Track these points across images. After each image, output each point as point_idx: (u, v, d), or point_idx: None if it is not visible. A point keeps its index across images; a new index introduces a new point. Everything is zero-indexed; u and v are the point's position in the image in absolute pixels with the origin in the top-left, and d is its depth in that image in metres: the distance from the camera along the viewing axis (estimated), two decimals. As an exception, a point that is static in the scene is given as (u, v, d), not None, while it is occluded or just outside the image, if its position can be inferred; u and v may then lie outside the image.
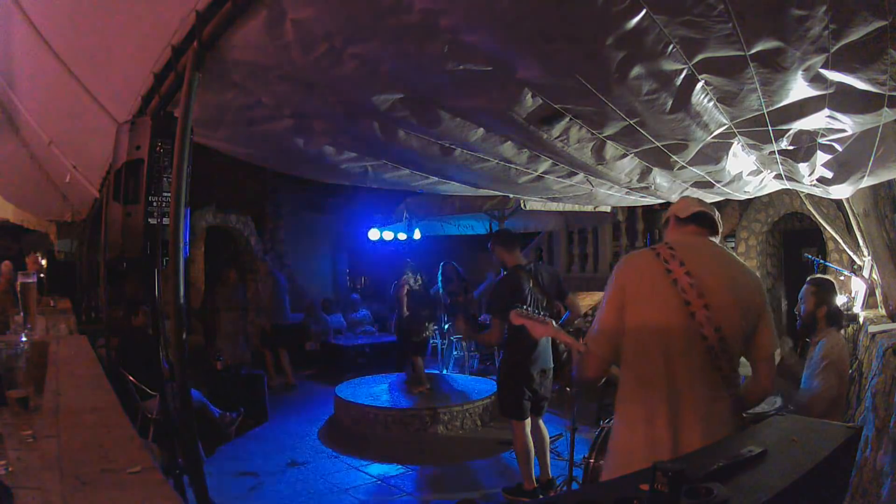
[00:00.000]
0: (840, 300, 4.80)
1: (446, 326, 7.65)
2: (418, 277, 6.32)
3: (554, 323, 2.11)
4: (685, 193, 4.13)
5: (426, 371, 6.81)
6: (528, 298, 3.66)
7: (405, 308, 6.22)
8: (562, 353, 3.91)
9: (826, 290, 3.14)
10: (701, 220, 1.89)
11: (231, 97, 2.44)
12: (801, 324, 3.20)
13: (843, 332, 3.57)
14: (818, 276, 3.28)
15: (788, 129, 2.48)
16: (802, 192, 4.30)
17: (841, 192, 3.39)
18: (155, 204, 2.37)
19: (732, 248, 7.15)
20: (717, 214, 1.96)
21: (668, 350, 1.66)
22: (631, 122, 2.40)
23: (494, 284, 4.19)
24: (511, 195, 5.26)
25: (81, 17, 2.64)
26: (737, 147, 2.86)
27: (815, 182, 3.25)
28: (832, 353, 2.92)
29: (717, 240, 1.92)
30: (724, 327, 1.65)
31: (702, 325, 1.64)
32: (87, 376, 2.23)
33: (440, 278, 7.15)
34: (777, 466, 1.14)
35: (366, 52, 1.95)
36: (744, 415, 1.86)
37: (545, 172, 3.47)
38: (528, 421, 3.83)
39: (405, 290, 6.22)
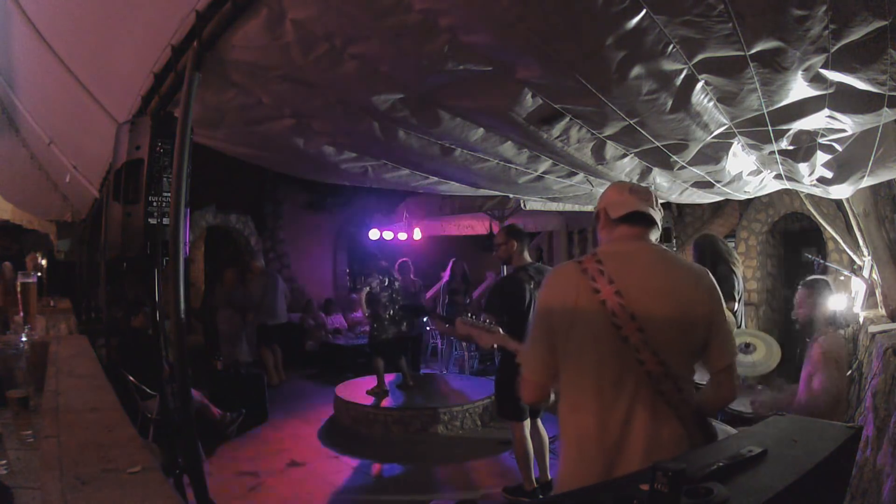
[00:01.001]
0: (840, 300, 4.80)
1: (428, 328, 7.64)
2: (385, 278, 6.29)
3: (501, 331, 2.01)
4: (684, 193, 4.14)
5: (424, 371, 6.81)
6: (528, 300, 3.65)
7: (364, 310, 6.22)
8: None
9: (819, 292, 3.13)
10: (635, 219, 1.66)
11: (231, 97, 2.44)
12: (800, 327, 3.18)
13: (842, 331, 3.56)
14: (811, 277, 3.26)
15: (788, 129, 2.48)
16: (802, 192, 4.30)
17: (841, 192, 3.39)
18: (155, 204, 2.37)
19: (733, 247, 7.15)
20: (655, 207, 1.69)
21: (600, 379, 1.51)
22: (631, 122, 2.40)
23: (494, 285, 4.19)
24: (511, 195, 5.25)
25: (81, 17, 2.64)
26: (737, 147, 2.86)
27: (815, 182, 3.25)
28: (832, 350, 2.91)
29: (655, 237, 1.69)
30: (662, 350, 1.48)
31: (637, 350, 1.47)
32: (87, 376, 2.23)
33: (448, 272, 7.19)
34: (777, 466, 1.14)
35: (366, 52, 1.95)
36: (713, 424, 1.68)
37: (545, 172, 3.47)
38: (527, 422, 3.83)
39: (364, 293, 6.22)
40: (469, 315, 2.14)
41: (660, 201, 1.78)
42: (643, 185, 3.89)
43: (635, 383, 1.50)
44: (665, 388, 1.49)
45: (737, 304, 4.25)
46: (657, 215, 1.69)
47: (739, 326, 4.18)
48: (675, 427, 1.52)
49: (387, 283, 6.25)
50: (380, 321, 6.13)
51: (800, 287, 3.20)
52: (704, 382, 1.65)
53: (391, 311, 6.13)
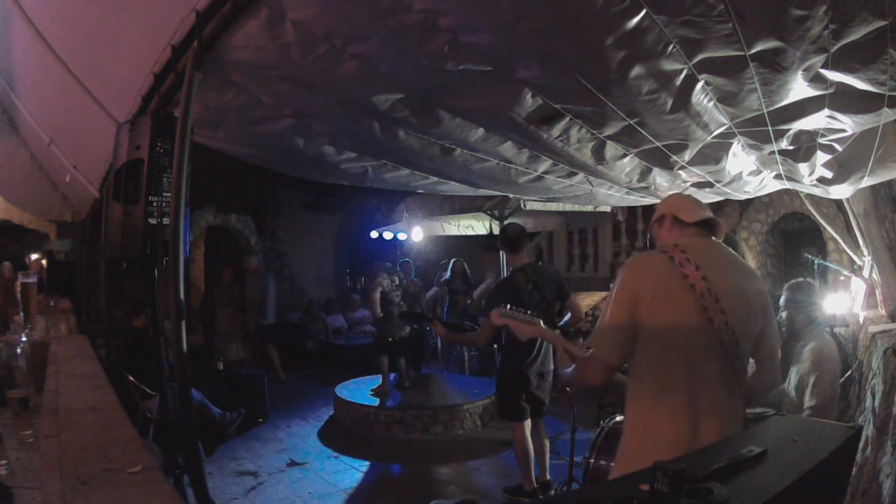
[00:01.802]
0: (839, 300, 4.80)
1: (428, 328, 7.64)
2: (394, 278, 6.30)
3: (542, 323, 2.02)
4: (686, 193, 4.13)
5: (424, 371, 6.82)
6: (526, 301, 3.64)
7: (378, 310, 6.22)
8: None
9: (804, 294, 3.07)
10: (706, 223, 1.85)
11: (231, 97, 2.44)
12: (788, 334, 3.11)
13: (831, 331, 3.53)
14: (795, 280, 3.19)
15: (788, 129, 2.48)
16: (802, 192, 4.30)
17: (841, 192, 3.39)
18: (155, 204, 2.37)
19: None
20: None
21: (690, 356, 1.64)
22: (631, 122, 2.40)
23: (494, 286, 4.19)
24: (511, 195, 5.25)
25: (81, 18, 2.64)
26: (737, 147, 2.86)
27: (815, 182, 3.25)
28: (821, 356, 2.88)
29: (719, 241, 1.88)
30: (738, 331, 1.64)
31: (719, 330, 1.62)
32: (87, 376, 2.23)
33: (448, 273, 7.19)
34: (777, 466, 1.14)
35: (366, 52, 1.95)
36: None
37: (545, 172, 3.47)
38: (528, 422, 3.83)
39: (378, 293, 6.21)
40: (508, 307, 2.15)
41: (660, 201, 1.87)
42: (648, 186, 3.86)
43: (717, 361, 1.64)
44: (738, 367, 1.66)
45: None
46: (721, 224, 1.89)
47: None
48: (741, 404, 1.70)
49: (397, 283, 6.25)
50: (391, 322, 6.13)
51: (785, 289, 3.15)
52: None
53: (401, 312, 6.15)
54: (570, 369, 1.84)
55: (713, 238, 1.84)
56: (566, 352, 1.88)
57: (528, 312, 2.10)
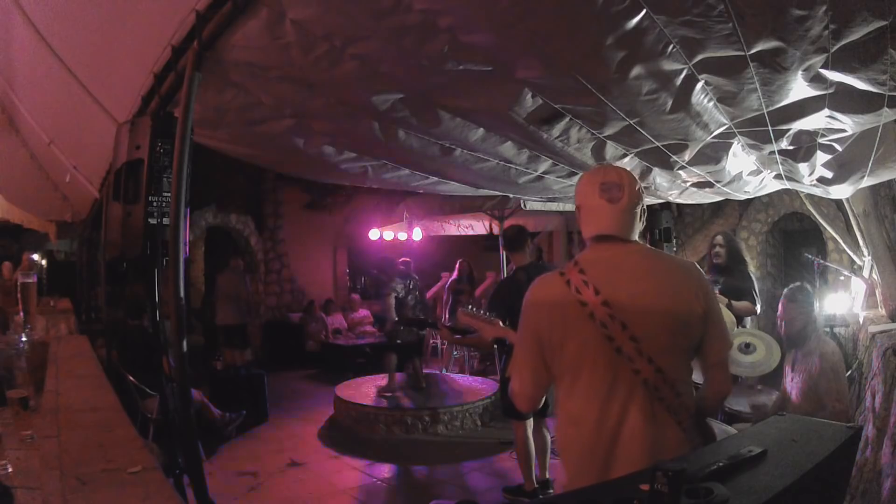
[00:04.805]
0: (839, 300, 4.80)
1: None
2: (409, 282, 6.30)
3: (501, 324, 2.00)
4: (684, 193, 4.14)
5: (425, 371, 6.82)
6: None
7: (393, 314, 6.23)
8: None
9: (801, 299, 2.98)
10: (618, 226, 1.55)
11: (231, 97, 2.44)
12: (788, 340, 3.03)
13: (831, 330, 3.52)
14: (793, 286, 3.11)
15: (788, 129, 2.48)
16: (802, 192, 4.31)
17: (841, 192, 3.39)
18: (155, 204, 2.37)
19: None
20: (632, 194, 1.51)
21: (595, 391, 1.45)
22: (631, 122, 2.40)
23: (496, 287, 4.19)
24: (511, 195, 5.26)
25: (81, 17, 2.64)
26: (737, 147, 2.86)
27: (815, 182, 3.25)
28: (834, 362, 2.84)
29: (639, 225, 1.56)
30: (656, 356, 1.41)
31: (631, 360, 1.41)
32: (87, 376, 2.24)
33: (455, 272, 7.20)
34: (777, 466, 1.14)
35: (366, 52, 1.95)
36: (708, 423, 1.62)
37: (545, 172, 3.47)
38: (530, 422, 3.83)
39: (392, 297, 6.21)
40: (471, 307, 2.15)
41: (660, 201, 1.75)
42: (648, 186, 3.73)
43: (630, 392, 1.43)
44: (664, 394, 1.43)
45: (758, 307, 4.17)
46: (639, 209, 1.54)
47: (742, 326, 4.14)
48: (676, 432, 1.47)
49: (411, 287, 6.25)
50: (405, 326, 6.13)
51: (784, 297, 3.06)
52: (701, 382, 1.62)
53: (405, 319, 6.15)
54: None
55: (625, 241, 1.52)
56: None
57: (489, 314, 2.11)
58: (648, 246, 1.63)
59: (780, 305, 3.04)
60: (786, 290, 3.06)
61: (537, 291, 1.57)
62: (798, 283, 3.09)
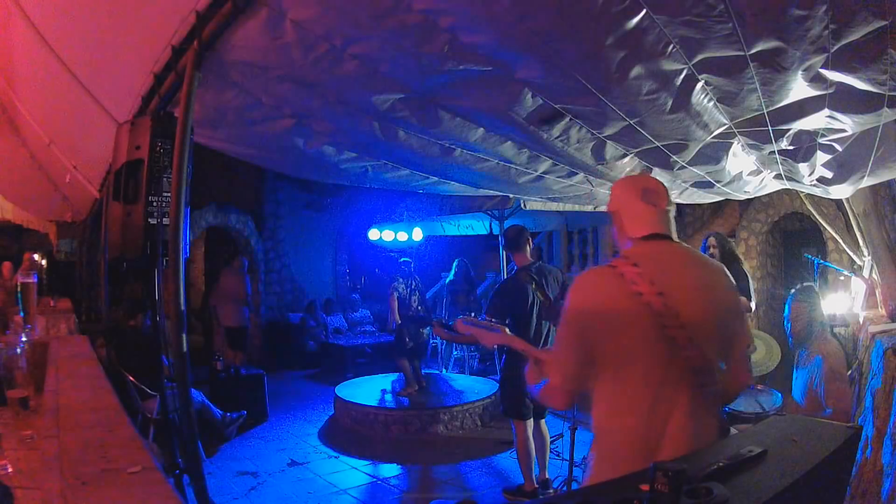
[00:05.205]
0: (839, 300, 4.80)
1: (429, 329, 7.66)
2: (411, 282, 6.30)
3: (507, 330, 1.97)
4: (684, 192, 4.13)
5: (424, 371, 6.83)
6: (531, 301, 3.65)
7: (396, 316, 6.22)
8: None
9: (806, 299, 3.07)
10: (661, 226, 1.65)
11: (231, 97, 2.44)
12: (794, 339, 3.10)
13: (831, 330, 3.54)
14: (803, 286, 3.20)
15: (788, 129, 2.48)
16: (802, 192, 4.30)
17: (841, 192, 3.39)
18: (155, 204, 2.37)
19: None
20: (670, 202, 1.66)
21: (650, 380, 1.51)
22: (631, 122, 2.40)
23: (496, 287, 4.19)
24: (511, 195, 5.26)
25: (81, 17, 2.64)
26: (737, 147, 2.86)
27: (815, 182, 3.25)
28: (836, 363, 2.87)
29: (674, 233, 1.68)
30: (704, 344, 1.50)
31: (683, 348, 1.48)
32: (87, 376, 2.23)
33: (452, 273, 7.22)
34: (777, 466, 1.14)
35: (366, 52, 1.95)
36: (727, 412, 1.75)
37: (545, 172, 3.47)
38: (530, 421, 3.83)
39: (395, 299, 6.21)
40: (471, 314, 2.13)
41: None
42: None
43: (680, 381, 1.51)
44: (706, 380, 1.52)
45: (752, 304, 4.21)
46: (673, 213, 1.69)
47: None
48: (713, 420, 1.56)
49: (413, 287, 6.24)
50: (410, 327, 6.13)
51: (792, 297, 3.13)
52: None
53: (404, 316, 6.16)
54: (538, 386, 1.72)
55: (669, 239, 1.64)
56: (535, 362, 1.77)
57: (492, 321, 2.07)
58: (685, 244, 1.72)
59: (787, 305, 3.09)
60: (793, 290, 3.13)
61: (589, 284, 1.63)
62: (804, 284, 3.16)
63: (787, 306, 3.10)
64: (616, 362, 1.54)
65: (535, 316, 3.68)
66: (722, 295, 1.61)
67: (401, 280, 6.22)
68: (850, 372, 3.65)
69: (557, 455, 4.48)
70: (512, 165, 3.30)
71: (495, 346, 6.34)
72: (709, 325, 1.53)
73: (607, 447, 1.60)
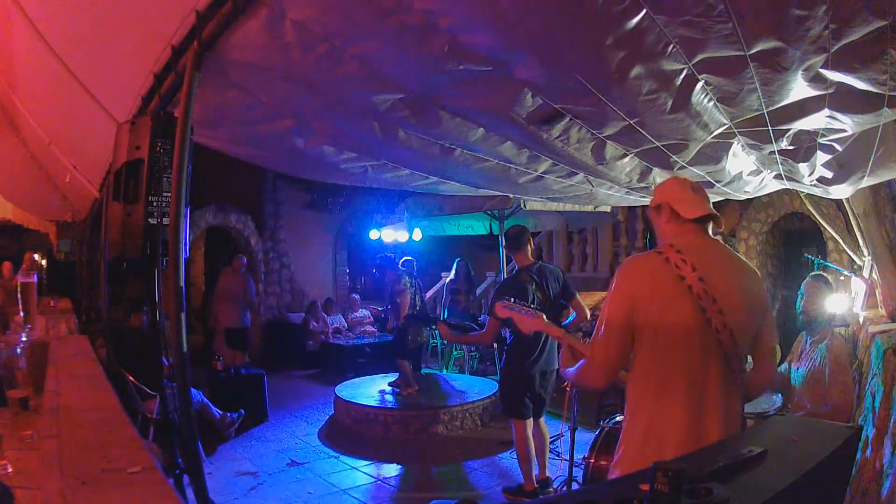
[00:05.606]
0: (840, 300, 4.80)
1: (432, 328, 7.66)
2: (415, 282, 6.31)
3: (545, 317, 2.04)
4: (684, 178, 4.13)
5: (424, 371, 6.84)
6: (531, 300, 3.65)
7: (403, 315, 6.22)
8: None
9: (820, 287, 3.16)
10: (705, 219, 1.81)
11: (231, 97, 2.44)
12: (805, 319, 3.19)
13: (842, 329, 3.56)
14: (816, 272, 3.31)
15: (788, 129, 2.48)
16: (802, 192, 4.30)
17: (841, 192, 3.39)
18: (155, 204, 2.37)
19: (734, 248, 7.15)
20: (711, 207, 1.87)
21: (689, 357, 1.63)
22: (631, 122, 2.40)
23: (497, 286, 4.19)
24: (511, 195, 5.26)
25: (81, 18, 2.64)
26: (737, 147, 2.86)
27: (815, 182, 3.25)
28: (840, 354, 2.89)
29: (715, 234, 1.86)
30: (736, 331, 1.64)
31: (718, 331, 1.62)
32: (87, 376, 2.23)
33: (452, 273, 7.23)
34: (777, 466, 1.14)
35: (366, 52, 1.95)
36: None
37: (545, 172, 3.47)
38: (530, 421, 3.83)
39: (407, 296, 6.19)
40: (510, 299, 2.15)
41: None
42: (648, 186, 3.87)
43: (716, 362, 1.64)
44: (736, 366, 1.65)
45: None
46: (720, 217, 1.86)
47: None
48: (739, 407, 1.70)
49: (414, 286, 6.25)
50: (415, 326, 6.13)
51: (812, 278, 3.24)
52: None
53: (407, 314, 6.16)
54: (573, 369, 1.84)
55: (710, 235, 1.81)
56: (570, 348, 1.89)
57: (532, 306, 2.11)
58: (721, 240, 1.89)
59: (802, 286, 3.22)
60: (808, 277, 3.26)
61: (636, 267, 1.78)
62: (819, 273, 3.29)
63: (801, 287, 3.24)
64: (657, 342, 1.65)
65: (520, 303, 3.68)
66: (756, 290, 1.76)
67: (407, 279, 6.22)
68: (850, 372, 3.66)
69: (557, 455, 4.48)
70: (512, 165, 3.30)
71: (495, 345, 6.35)
72: (742, 315, 1.67)
73: (650, 423, 1.67)
